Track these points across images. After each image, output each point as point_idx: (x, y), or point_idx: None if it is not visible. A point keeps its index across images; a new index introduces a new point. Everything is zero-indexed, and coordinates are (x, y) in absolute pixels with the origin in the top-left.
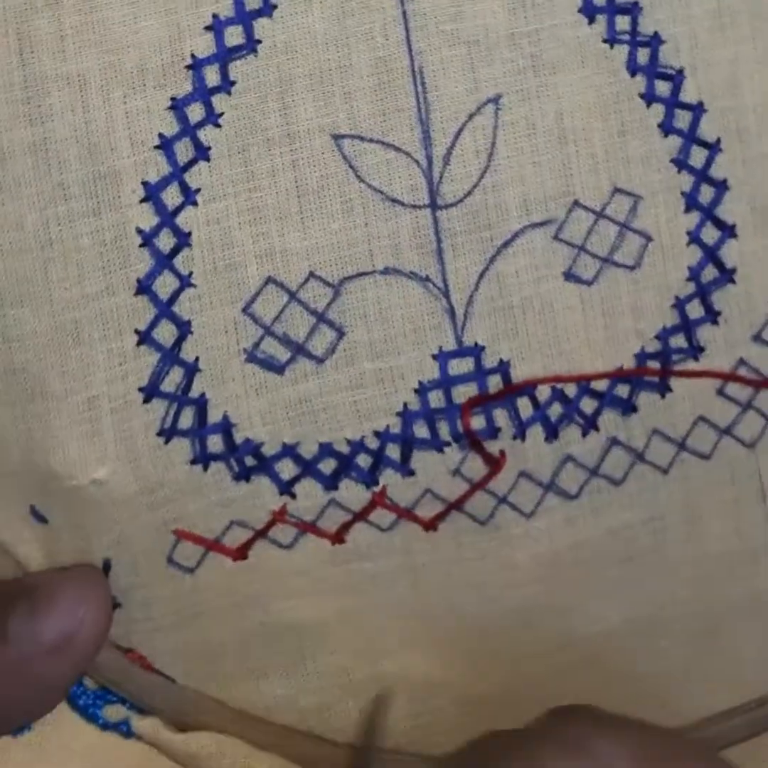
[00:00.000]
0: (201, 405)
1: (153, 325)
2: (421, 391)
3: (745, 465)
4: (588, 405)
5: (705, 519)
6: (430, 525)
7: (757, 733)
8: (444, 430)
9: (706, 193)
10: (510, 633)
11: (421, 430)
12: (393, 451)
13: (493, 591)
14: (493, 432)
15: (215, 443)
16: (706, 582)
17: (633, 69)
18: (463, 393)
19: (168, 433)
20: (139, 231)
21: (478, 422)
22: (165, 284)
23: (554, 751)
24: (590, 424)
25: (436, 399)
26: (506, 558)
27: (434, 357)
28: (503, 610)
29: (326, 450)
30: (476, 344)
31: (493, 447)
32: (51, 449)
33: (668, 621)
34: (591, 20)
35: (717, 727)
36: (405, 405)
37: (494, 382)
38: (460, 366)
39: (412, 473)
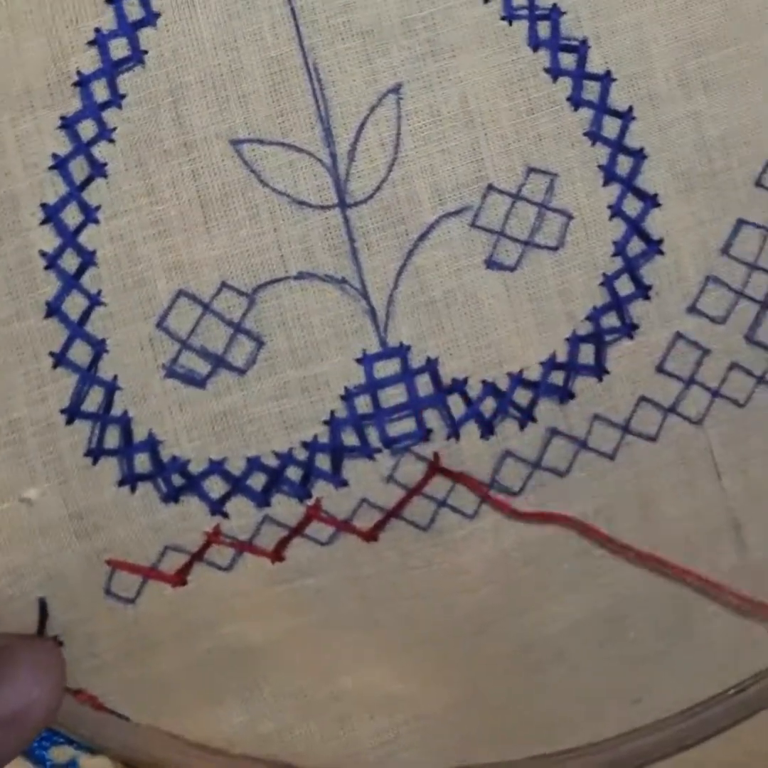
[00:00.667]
0: (124, 423)
1: (67, 346)
2: (348, 397)
3: (695, 443)
4: (522, 396)
5: (659, 503)
6: (370, 535)
7: (739, 720)
8: (373, 436)
9: (624, 164)
10: (469, 639)
11: (349, 438)
12: (323, 462)
13: (445, 598)
14: (425, 434)
15: (142, 462)
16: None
17: (535, 44)
18: (391, 396)
19: (95, 453)
20: (43, 253)
21: (408, 425)
22: (75, 305)
23: None
24: (527, 416)
25: (363, 404)
26: (453, 563)
27: (359, 361)
28: (458, 616)
29: (255, 464)
30: (401, 344)
31: (426, 450)
32: None
33: (633, 611)
34: None
35: (697, 717)
36: (332, 413)
37: (423, 382)
38: (386, 368)
39: (345, 483)
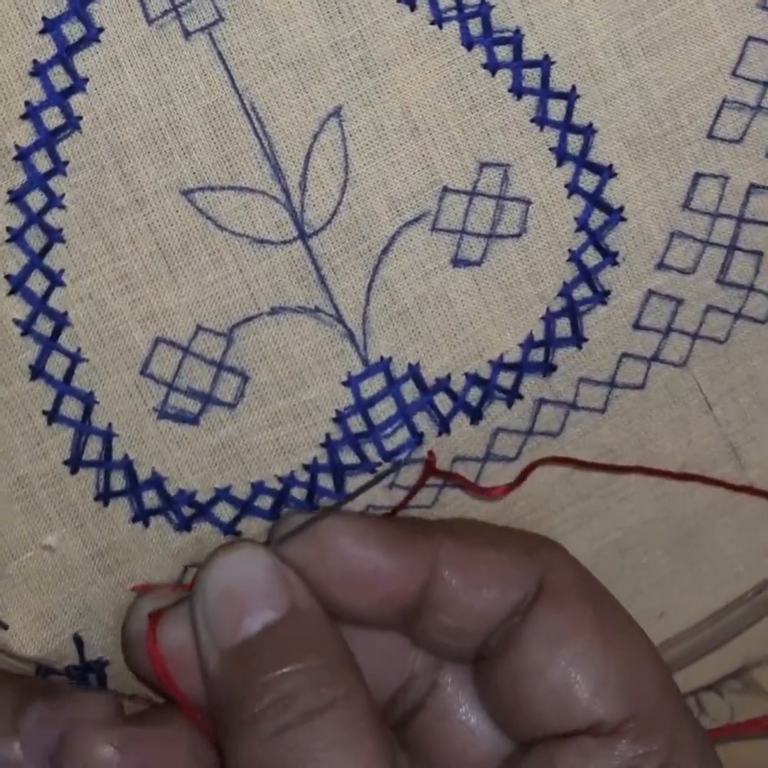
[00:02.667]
0: (127, 466)
1: (57, 403)
2: (340, 419)
3: (682, 383)
4: (506, 378)
5: (655, 441)
6: None
7: (761, 616)
8: (371, 451)
9: (575, 142)
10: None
11: (348, 457)
12: (326, 481)
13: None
14: (418, 438)
15: (151, 498)
16: (671, 496)
17: (468, 42)
18: (381, 410)
19: (104, 496)
20: (17, 321)
21: (402, 435)
22: (57, 364)
23: None
24: (513, 395)
25: (356, 424)
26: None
27: (345, 384)
28: None
29: (260, 489)
30: (382, 358)
31: (421, 452)
32: None
33: (643, 538)
34: (412, 7)
35: (720, 623)
36: (327, 435)
37: (408, 389)
38: (373, 384)
39: (349, 497)
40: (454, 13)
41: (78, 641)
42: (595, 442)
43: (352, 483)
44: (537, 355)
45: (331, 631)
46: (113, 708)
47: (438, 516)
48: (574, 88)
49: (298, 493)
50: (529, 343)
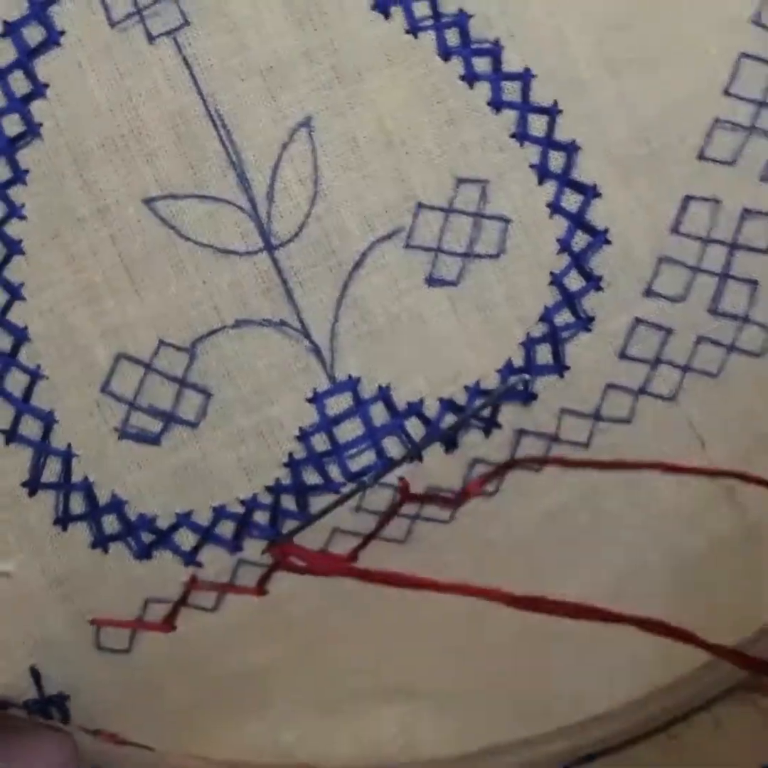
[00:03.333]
0: (87, 489)
1: (16, 422)
2: (304, 437)
3: (672, 419)
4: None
5: (645, 480)
6: (351, 558)
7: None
8: (335, 471)
9: (557, 160)
10: (465, 631)
11: (312, 477)
12: (289, 502)
13: (435, 596)
14: (387, 463)
15: (111, 523)
16: (665, 539)
17: (445, 52)
18: (347, 430)
19: (63, 520)
20: None
21: (368, 457)
22: (16, 381)
23: None
24: (490, 424)
25: (320, 442)
26: (436, 564)
27: (310, 400)
28: (449, 611)
29: (222, 513)
30: (350, 377)
31: (390, 477)
32: None
33: (635, 582)
34: (387, 15)
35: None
36: (290, 455)
37: (378, 411)
38: (339, 403)
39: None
40: (430, 22)
41: (35, 674)
42: (579, 479)
43: (316, 504)
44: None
45: None
46: (68, 750)
47: (412, 553)
48: (556, 102)
49: (261, 516)
50: (508, 370)
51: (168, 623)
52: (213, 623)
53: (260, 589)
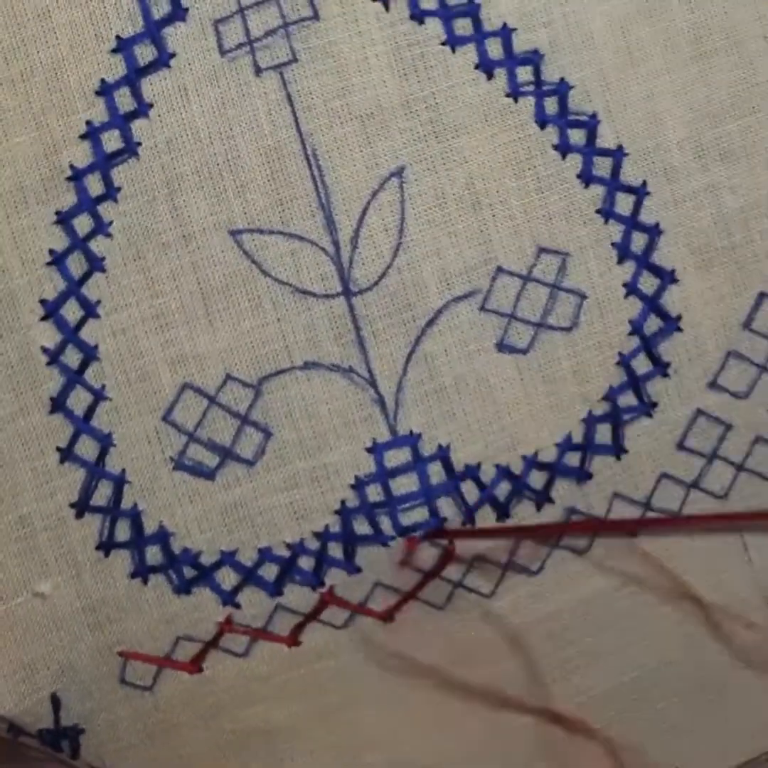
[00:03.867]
0: (134, 516)
1: (73, 441)
2: (358, 486)
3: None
4: (538, 478)
5: (685, 577)
6: (387, 617)
7: None
8: (386, 524)
9: (639, 241)
10: (492, 712)
11: (362, 527)
12: (335, 550)
13: (466, 671)
14: (440, 523)
15: (154, 554)
16: (696, 639)
17: (542, 120)
18: (402, 484)
19: (106, 546)
20: (44, 349)
21: (421, 513)
22: (79, 400)
23: None
24: (543, 497)
25: (374, 493)
26: (472, 638)
27: (368, 450)
28: (479, 689)
29: (266, 555)
30: (411, 432)
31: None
32: None
33: (661, 681)
34: (490, 75)
35: None
36: (343, 502)
37: (435, 470)
38: (397, 456)
39: (358, 570)
40: (531, 88)
41: (55, 702)
42: (622, 568)
43: (363, 554)
44: (573, 458)
45: None
46: None
47: (447, 620)
48: (644, 183)
49: (306, 562)
50: (567, 444)
51: (196, 664)
52: (240, 670)
53: (293, 638)
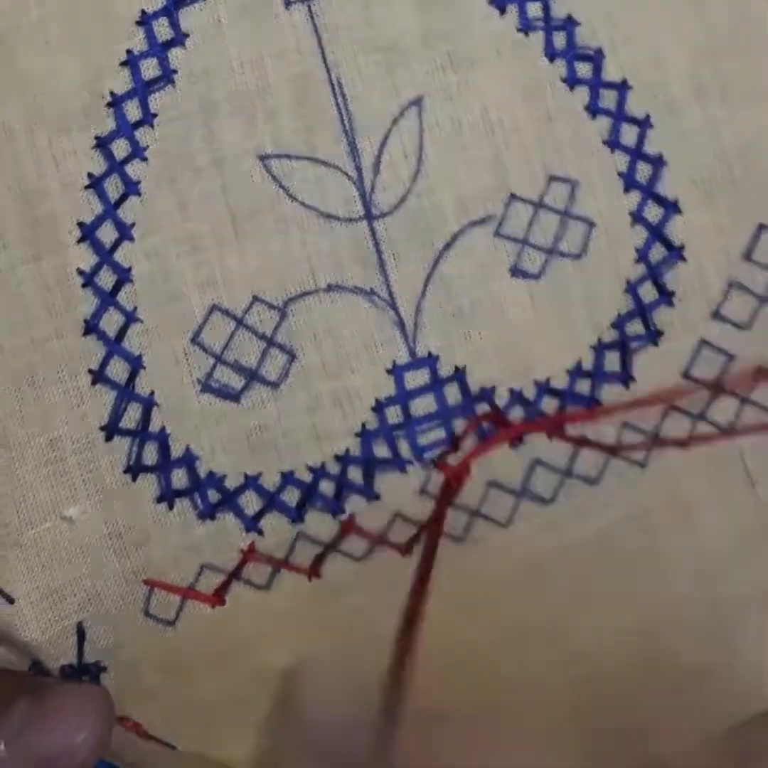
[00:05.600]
0: (162, 439)
1: (105, 363)
2: (379, 408)
3: (726, 450)
4: (549, 405)
5: (693, 511)
6: (406, 549)
7: None
8: (404, 447)
9: (644, 171)
10: (507, 655)
11: (381, 450)
12: (355, 475)
13: (483, 612)
14: (453, 441)
15: (180, 478)
16: (707, 578)
17: (551, 54)
18: (421, 405)
19: (134, 469)
20: (80, 272)
21: (437, 434)
22: (111, 322)
23: None
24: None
25: (394, 415)
26: (490, 572)
27: (389, 372)
28: (496, 631)
29: (289, 479)
30: (430, 353)
31: (456, 459)
32: (21, 499)
33: (674, 623)
34: (502, 11)
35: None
36: (363, 425)
37: (452, 391)
38: (416, 378)
39: (377, 497)
40: (540, 23)
41: (81, 633)
42: (631, 499)
43: (381, 479)
44: (583, 386)
45: None
46: (105, 706)
47: (467, 553)
48: (648, 116)
49: (327, 487)
50: (577, 371)
51: (219, 595)
52: (262, 603)
53: (315, 569)
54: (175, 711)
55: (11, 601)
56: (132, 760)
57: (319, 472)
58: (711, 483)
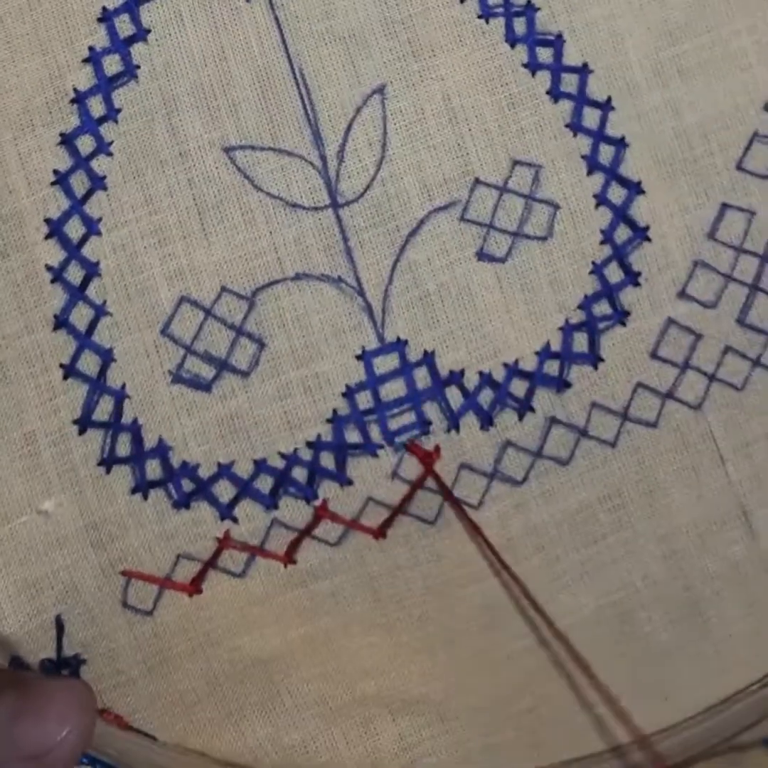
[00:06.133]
0: (135, 431)
1: (76, 357)
2: (349, 394)
3: (695, 428)
4: (519, 386)
5: (664, 489)
6: (379, 533)
7: (765, 716)
8: (375, 432)
9: (606, 153)
10: (481, 635)
11: (352, 435)
12: (328, 461)
13: (455, 592)
14: (424, 426)
15: (154, 469)
16: (679, 556)
17: (512, 40)
18: (390, 390)
19: (108, 461)
20: (48, 267)
21: (407, 418)
22: (81, 316)
23: None
24: (524, 406)
25: (364, 400)
26: (460, 554)
27: (358, 358)
28: (468, 611)
29: (262, 467)
30: (398, 339)
31: (427, 443)
32: None
33: (647, 602)
34: None
35: (721, 716)
36: (334, 411)
37: (421, 376)
38: (385, 363)
39: (350, 482)
40: (501, 10)
41: (59, 626)
42: (602, 479)
43: (353, 465)
44: (552, 367)
45: None
46: (86, 699)
47: (439, 536)
48: (609, 99)
49: (300, 473)
50: (546, 353)
51: (195, 584)
52: (238, 591)
53: (289, 555)
54: (155, 701)
55: None
56: (113, 751)
57: (291, 459)
58: (680, 461)
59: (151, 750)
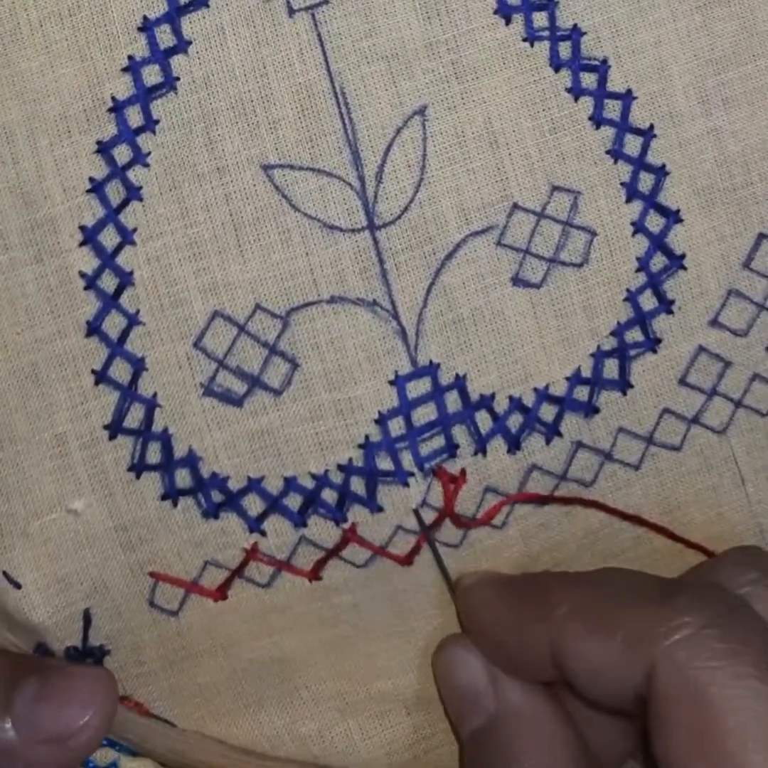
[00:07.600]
0: (165, 440)
1: (107, 364)
2: (381, 421)
3: (718, 451)
4: (548, 411)
5: (685, 509)
6: (406, 561)
7: None
8: (407, 460)
9: (646, 181)
10: None
11: (384, 462)
12: (358, 486)
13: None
14: (452, 449)
15: (183, 477)
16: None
17: (556, 64)
18: (422, 414)
19: (138, 468)
20: (82, 274)
21: (437, 442)
22: (114, 324)
23: None
24: (552, 431)
25: (396, 427)
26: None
27: (391, 383)
28: None
29: (292, 485)
30: (431, 362)
31: (454, 466)
32: (27, 491)
33: None
34: (508, 20)
35: None
36: (366, 437)
37: (452, 399)
38: (417, 387)
39: (380, 509)
40: (546, 33)
41: (87, 618)
42: (625, 500)
43: (383, 492)
44: (582, 393)
45: (544, 731)
46: (108, 687)
47: (465, 557)
48: (652, 126)
49: (329, 495)
50: (576, 379)
51: (221, 591)
52: (262, 600)
53: (315, 573)
54: (176, 691)
55: (18, 586)
56: (132, 736)
57: (321, 480)
58: (702, 482)
59: (170, 736)
